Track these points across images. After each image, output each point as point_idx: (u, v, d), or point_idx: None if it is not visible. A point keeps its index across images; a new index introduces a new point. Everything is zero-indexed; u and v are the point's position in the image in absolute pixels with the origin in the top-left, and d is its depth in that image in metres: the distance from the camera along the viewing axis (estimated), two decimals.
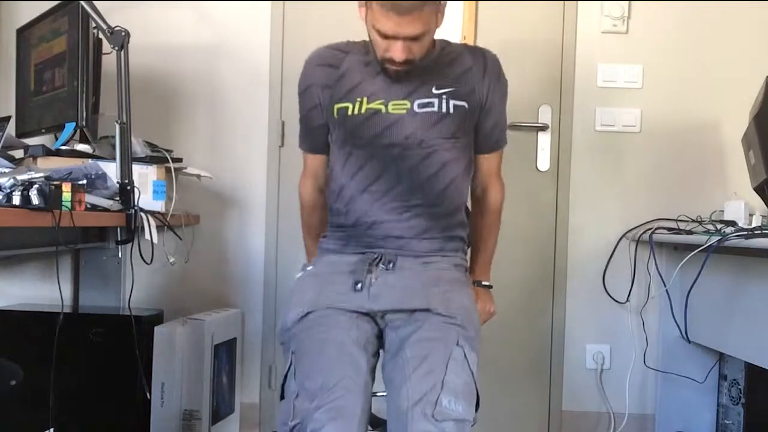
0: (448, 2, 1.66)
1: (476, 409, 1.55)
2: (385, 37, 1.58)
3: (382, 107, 1.70)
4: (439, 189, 1.72)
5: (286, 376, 1.59)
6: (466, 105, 1.73)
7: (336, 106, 1.74)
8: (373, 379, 1.60)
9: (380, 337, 1.66)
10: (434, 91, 1.71)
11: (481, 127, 1.80)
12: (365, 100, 1.71)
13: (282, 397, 1.58)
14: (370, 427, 1.57)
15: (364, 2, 1.60)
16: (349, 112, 1.72)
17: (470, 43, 2.78)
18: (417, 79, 1.70)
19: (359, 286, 1.66)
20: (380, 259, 1.69)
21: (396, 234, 1.70)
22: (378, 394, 1.58)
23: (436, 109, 1.70)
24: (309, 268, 1.81)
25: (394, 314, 1.65)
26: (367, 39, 1.69)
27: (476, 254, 1.92)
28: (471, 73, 1.74)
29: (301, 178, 1.92)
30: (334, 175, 1.79)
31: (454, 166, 1.73)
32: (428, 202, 1.71)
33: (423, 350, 1.54)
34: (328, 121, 1.78)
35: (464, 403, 1.48)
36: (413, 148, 1.70)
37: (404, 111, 1.70)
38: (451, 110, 1.71)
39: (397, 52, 1.59)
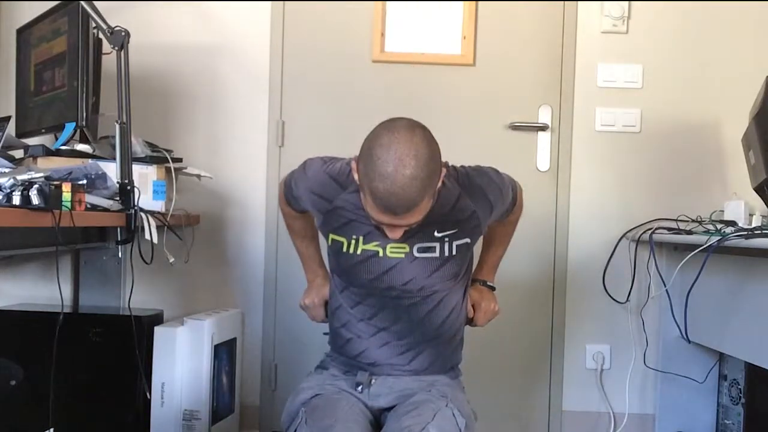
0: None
1: None
2: (380, 224, 1.51)
3: (379, 250, 1.63)
4: (438, 323, 1.71)
5: (296, 430, 1.60)
6: (469, 240, 1.69)
7: (331, 236, 1.69)
8: None
9: (378, 428, 1.68)
10: (436, 234, 1.64)
11: (499, 218, 1.78)
12: (361, 239, 1.64)
13: None
14: None
15: (358, 175, 1.48)
16: (344, 249, 1.66)
17: (470, 43, 2.79)
18: (417, 224, 1.57)
19: (360, 388, 1.69)
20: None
21: (396, 372, 1.71)
22: None
23: (437, 254, 1.64)
24: (309, 384, 1.78)
25: (393, 407, 1.68)
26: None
27: (486, 255, 1.92)
28: (475, 216, 1.67)
29: (280, 193, 1.88)
30: (332, 290, 1.78)
31: (452, 298, 1.72)
32: (428, 337, 1.71)
33: (413, 406, 1.59)
34: (320, 232, 1.76)
35: None
36: (412, 292, 1.67)
37: (402, 255, 1.63)
38: (454, 252, 1.66)
39: (393, 234, 1.51)
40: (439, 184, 1.51)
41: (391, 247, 1.63)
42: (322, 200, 1.67)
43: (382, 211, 1.44)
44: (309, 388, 1.70)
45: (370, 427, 1.62)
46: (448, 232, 1.65)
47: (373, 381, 1.70)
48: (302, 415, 1.60)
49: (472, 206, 1.66)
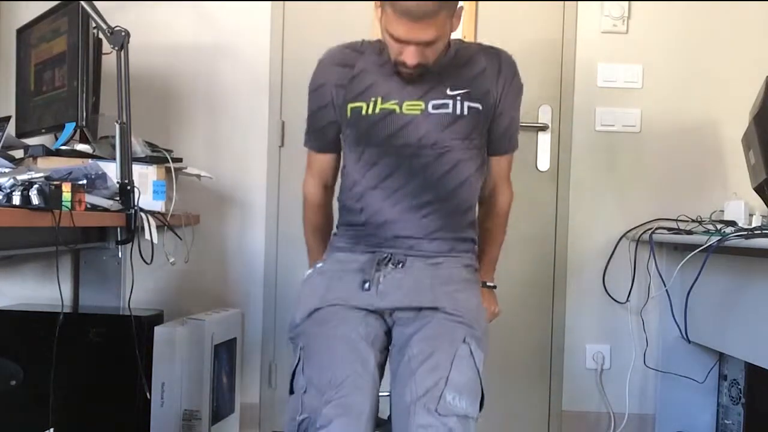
0: (460, 3, 1.66)
1: (480, 407, 1.55)
2: (398, 41, 1.57)
3: (396, 107, 1.69)
4: (451, 187, 1.72)
5: (294, 372, 1.60)
6: (480, 107, 1.73)
7: (350, 106, 1.73)
8: (382, 375, 1.61)
9: (388, 333, 1.67)
10: (449, 92, 1.70)
11: (494, 129, 1.79)
12: (379, 100, 1.70)
13: (291, 392, 1.59)
14: None
15: (379, 3, 1.58)
16: (363, 112, 1.71)
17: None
18: (431, 80, 1.69)
19: (367, 285, 1.66)
20: (389, 259, 1.69)
21: (406, 234, 1.70)
22: (382, 394, 1.59)
23: (450, 110, 1.70)
24: (319, 265, 1.80)
25: (401, 312, 1.65)
26: (381, 39, 1.69)
27: (481, 254, 1.92)
28: (485, 74, 1.74)
29: (306, 176, 1.90)
30: (346, 172, 1.79)
31: (467, 165, 1.73)
32: (440, 199, 1.71)
33: (429, 347, 1.55)
34: (340, 120, 1.78)
35: (468, 400, 1.49)
36: (426, 149, 1.69)
37: (418, 112, 1.69)
38: (466, 112, 1.71)
39: (410, 57, 1.58)
40: (454, 13, 1.59)
41: (408, 105, 1.69)
42: (344, 68, 1.74)
43: (400, 19, 1.51)
44: (310, 297, 1.69)
45: (375, 352, 1.59)
46: (460, 91, 1.71)
47: (382, 278, 1.66)
48: (299, 354, 1.60)
49: (484, 63, 1.75)
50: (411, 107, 1.69)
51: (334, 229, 1.86)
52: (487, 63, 1.75)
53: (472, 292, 1.73)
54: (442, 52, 1.65)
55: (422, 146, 1.69)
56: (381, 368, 1.62)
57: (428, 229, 1.70)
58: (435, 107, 1.69)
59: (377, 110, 1.70)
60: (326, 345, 1.58)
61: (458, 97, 1.70)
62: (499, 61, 1.77)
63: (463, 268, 1.75)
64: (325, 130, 1.82)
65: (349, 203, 1.76)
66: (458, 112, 1.70)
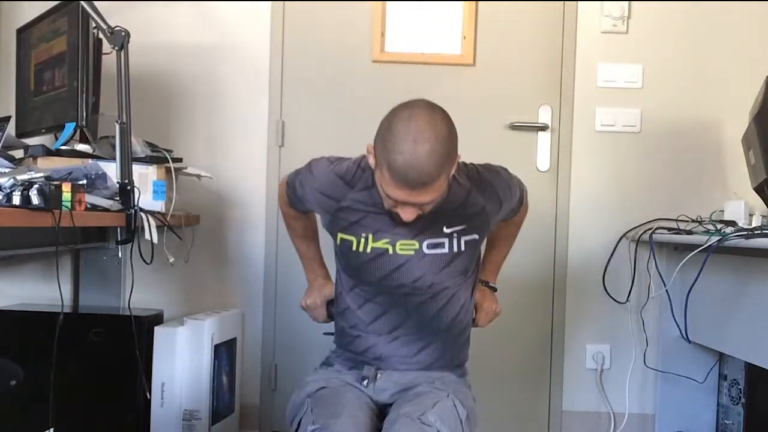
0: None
1: None
2: (395, 202, 1.51)
3: (389, 247, 1.64)
4: (449, 320, 1.72)
5: (300, 421, 1.59)
6: (478, 237, 1.70)
7: (340, 236, 1.69)
8: None
9: (382, 418, 1.68)
10: (445, 230, 1.65)
11: (506, 217, 1.80)
12: (371, 237, 1.64)
13: None
14: None
15: (374, 157, 1.50)
16: (354, 248, 1.66)
17: (470, 43, 2.79)
18: (426, 219, 1.60)
19: (365, 382, 1.69)
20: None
21: (403, 368, 1.71)
22: None
23: (446, 250, 1.65)
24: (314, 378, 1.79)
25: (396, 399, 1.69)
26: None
27: (489, 255, 1.93)
28: (485, 212, 1.69)
29: (281, 194, 1.88)
30: (339, 291, 1.78)
31: (463, 294, 1.73)
32: (436, 333, 1.72)
33: (415, 396, 1.61)
34: (328, 233, 1.75)
35: (449, 429, 1.52)
36: (423, 290, 1.67)
37: (412, 252, 1.64)
38: (463, 248, 1.67)
39: (406, 215, 1.51)
40: (453, 171, 1.52)
41: (401, 245, 1.64)
42: (329, 200, 1.68)
43: (398, 185, 1.45)
44: (314, 382, 1.71)
45: (375, 419, 1.62)
46: (456, 228, 1.66)
47: (379, 376, 1.69)
48: (308, 405, 1.60)
49: (482, 202, 1.68)
50: (405, 247, 1.64)
51: (332, 345, 1.84)
52: (486, 202, 1.68)
53: (462, 386, 1.75)
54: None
55: (417, 287, 1.67)
56: None
57: (426, 363, 1.72)
58: (430, 246, 1.64)
59: (369, 249, 1.65)
60: (335, 395, 1.63)
61: (455, 234, 1.66)
62: (497, 196, 1.70)
63: (456, 377, 1.77)
64: (303, 209, 1.82)
65: (344, 327, 1.77)
66: (455, 249, 1.66)
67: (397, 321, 1.69)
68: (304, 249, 1.95)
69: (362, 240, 1.65)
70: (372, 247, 1.65)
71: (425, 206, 1.52)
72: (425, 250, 1.64)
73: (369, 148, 1.53)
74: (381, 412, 1.68)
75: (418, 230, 1.62)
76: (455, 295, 1.70)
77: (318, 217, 1.83)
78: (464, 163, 1.70)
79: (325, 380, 1.71)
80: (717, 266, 2.22)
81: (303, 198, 1.76)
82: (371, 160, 1.53)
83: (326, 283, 1.89)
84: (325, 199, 1.68)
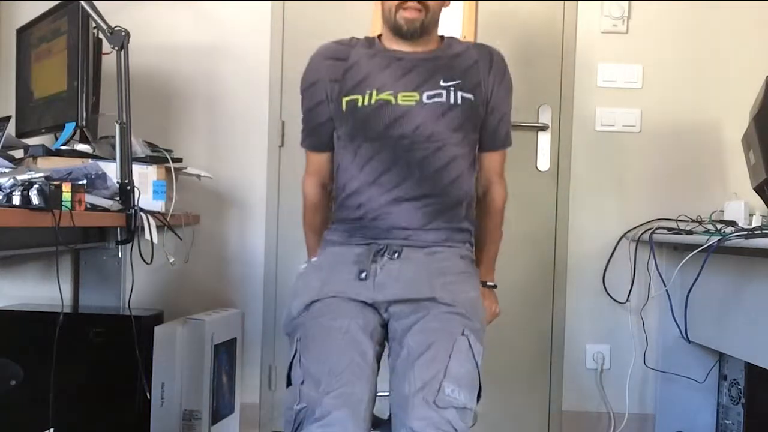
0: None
1: (478, 399, 1.55)
2: None
3: (392, 98, 1.72)
4: (447, 182, 1.73)
5: (291, 363, 1.59)
6: (473, 98, 1.76)
7: (345, 99, 1.75)
8: (379, 368, 1.61)
9: (385, 327, 1.66)
10: (442, 83, 1.75)
11: (487, 123, 1.82)
12: (375, 91, 1.73)
13: (288, 384, 1.58)
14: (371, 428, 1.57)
15: None
16: (359, 104, 1.74)
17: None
18: (425, 71, 1.74)
19: (364, 275, 1.66)
20: (385, 250, 1.69)
21: (402, 225, 1.71)
22: (380, 394, 1.59)
23: (444, 99, 1.74)
24: (313, 260, 1.81)
25: (398, 305, 1.64)
26: (370, 35, 1.74)
27: (480, 254, 1.92)
28: (477, 67, 1.79)
29: (305, 176, 1.91)
30: (341, 169, 1.79)
31: (461, 161, 1.76)
32: (436, 194, 1.73)
33: (426, 339, 1.55)
34: (335, 116, 1.79)
35: (466, 392, 1.49)
36: (422, 141, 1.72)
37: (413, 102, 1.72)
38: (459, 101, 1.74)
39: (411, 12, 1.67)
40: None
41: (403, 96, 1.72)
42: (337, 61, 1.77)
43: None
44: (306, 289, 1.68)
45: (373, 344, 1.58)
46: (453, 82, 1.75)
47: (378, 269, 1.66)
48: (296, 346, 1.59)
49: (476, 56, 1.80)
50: (406, 98, 1.73)
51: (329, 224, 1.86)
52: (479, 57, 1.80)
53: (470, 284, 1.73)
54: (438, 8, 1.75)
55: (418, 137, 1.71)
56: (378, 360, 1.62)
57: (424, 220, 1.71)
58: (429, 97, 1.73)
59: (373, 101, 1.73)
60: (324, 336, 1.58)
61: (451, 88, 1.75)
62: (491, 56, 1.82)
63: (459, 259, 1.75)
64: (321, 128, 1.83)
65: (345, 201, 1.77)
66: (452, 101, 1.74)
67: (400, 177, 1.71)
68: (313, 243, 1.93)
69: (366, 95, 1.74)
70: (376, 99, 1.73)
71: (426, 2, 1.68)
72: (425, 100, 1.73)
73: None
74: (381, 317, 1.65)
75: (417, 83, 1.73)
76: (454, 159, 1.74)
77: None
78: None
79: (318, 284, 1.67)
80: (717, 266, 2.22)
81: (315, 102, 1.80)
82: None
83: None
84: (333, 63, 1.78)
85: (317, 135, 1.85)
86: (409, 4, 1.68)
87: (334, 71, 1.77)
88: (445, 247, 1.73)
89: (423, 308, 1.62)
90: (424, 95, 1.73)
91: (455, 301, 1.63)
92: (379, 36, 1.82)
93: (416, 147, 1.72)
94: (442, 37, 1.82)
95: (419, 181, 1.72)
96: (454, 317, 1.60)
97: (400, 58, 1.76)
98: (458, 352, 1.53)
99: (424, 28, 1.73)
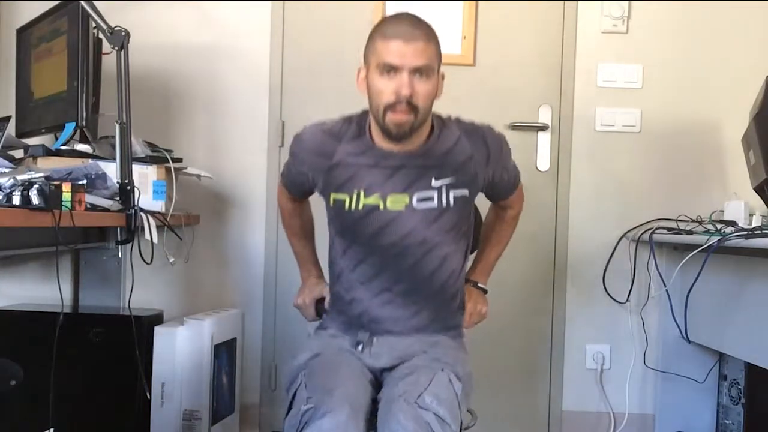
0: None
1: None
2: (390, 70, 1.54)
3: (380, 202, 1.65)
4: (441, 282, 1.72)
5: (295, 393, 1.58)
6: (467, 193, 1.70)
7: (332, 196, 1.70)
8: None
9: (380, 385, 1.67)
10: (433, 183, 1.66)
11: (495, 188, 1.80)
12: (362, 193, 1.66)
13: (288, 411, 1.57)
14: None
15: (363, 65, 1.60)
16: (346, 207, 1.67)
17: (470, 43, 2.79)
18: (415, 170, 1.65)
19: (360, 347, 1.69)
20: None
21: (398, 330, 1.72)
22: None
23: (435, 204, 1.66)
24: (315, 333, 1.82)
25: (391, 371, 1.68)
26: (361, 113, 1.69)
27: (481, 255, 1.92)
28: (472, 161, 1.69)
29: (279, 187, 1.91)
30: (333, 257, 1.78)
31: (454, 258, 1.73)
32: (429, 296, 1.72)
33: (410, 370, 1.60)
34: (325, 205, 1.75)
35: (446, 411, 1.50)
36: (413, 247, 1.68)
37: (402, 207, 1.65)
38: (452, 203, 1.67)
39: (404, 86, 1.53)
40: (442, 91, 1.62)
41: (392, 199, 1.65)
42: (321, 158, 1.69)
43: (391, 38, 1.54)
44: (308, 349, 1.70)
45: (371, 387, 1.62)
46: (445, 181, 1.66)
47: (375, 340, 1.70)
48: (301, 379, 1.60)
49: (470, 150, 1.68)
50: (395, 202, 1.65)
51: (326, 305, 1.85)
52: (473, 150, 1.69)
53: (460, 350, 1.75)
54: (431, 100, 1.60)
55: (409, 244, 1.67)
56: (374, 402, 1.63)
57: (419, 325, 1.73)
58: (420, 200, 1.66)
59: (360, 206, 1.66)
60: (329, 365, 1.62)
61: (444, 188, 1.67)
62: (486, 145, 1.70)
63: (451, 339, 1.77)
64: (301, 187, 1.82)
65: (338, 291, 1.77)
66: (444, 204, 1.67)
67: (390, 282, 1.70)
68: (299, 248, 1.96)
69: (354, 196, 1.66)
70: (363, 204, 1.66)
71: (419, 83, 1.55)
72: (415, 205, 1.65)
73: (358, 72, 1.63)
74: (377, 378, 1.68)
75: (407, 183, 1.65)
76: (447, 257, 1.70)
77: (317, 220, 1.85)
78: (459, 117, 1.75)
79: (320, 346, 1.71)
80: (717, 266, 2.22)
81: (298, 172, 1.76)
82: (362, 74, 1.62)
83: (318, 282, 1.91)
84: (318, 158, 1.69)
85: (295, 187, 1.83)
86: (398, 107, 1.55)
87: (319, 166, 1.69)
88: (438, 335, 1.75)
89: (411, 358, 1.67)
90: (414, 198, 1.65)
91: (439, 356, 1.66)
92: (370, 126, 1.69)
93: (407, 253, 1.68)
94: (432, 125, 1.67)
95: (411, 286, 1.70)
96: (437, 363, 1.63)
97: (388, 156, 1.65)
98: (438, 381, 1.56)
99: (414, 130, 1.60)
